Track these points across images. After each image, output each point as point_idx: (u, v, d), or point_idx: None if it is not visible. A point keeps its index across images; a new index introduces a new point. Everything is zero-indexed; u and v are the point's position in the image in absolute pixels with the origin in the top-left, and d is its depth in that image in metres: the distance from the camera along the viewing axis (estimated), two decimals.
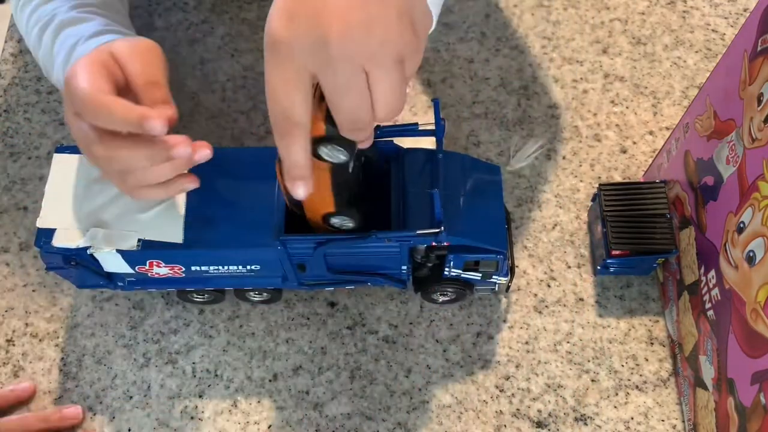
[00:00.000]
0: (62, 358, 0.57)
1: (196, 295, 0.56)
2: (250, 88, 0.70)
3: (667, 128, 0.66)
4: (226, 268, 0.51)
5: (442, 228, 0.46)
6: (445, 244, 0.49)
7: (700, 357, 0.50)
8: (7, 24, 0.74)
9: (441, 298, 0.57)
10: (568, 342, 0.57)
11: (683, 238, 0.54)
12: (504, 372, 0.56)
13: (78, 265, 0.50)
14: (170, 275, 0.52)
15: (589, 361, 0.56)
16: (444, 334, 0.57)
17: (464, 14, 0.73)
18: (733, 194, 0.46)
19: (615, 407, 0.54)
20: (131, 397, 0.55)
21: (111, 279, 0.53)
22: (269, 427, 0.54)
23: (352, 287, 0.57)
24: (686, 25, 0.72)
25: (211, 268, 0.51)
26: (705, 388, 0.49)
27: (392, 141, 0.52)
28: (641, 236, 0.55)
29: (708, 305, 0.49)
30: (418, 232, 0.47)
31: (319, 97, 0.38)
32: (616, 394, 0.55)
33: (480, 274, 0.53)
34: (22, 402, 0.55)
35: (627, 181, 0.63)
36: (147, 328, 0.58)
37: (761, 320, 0.41)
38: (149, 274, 0.51)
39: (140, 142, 0.42)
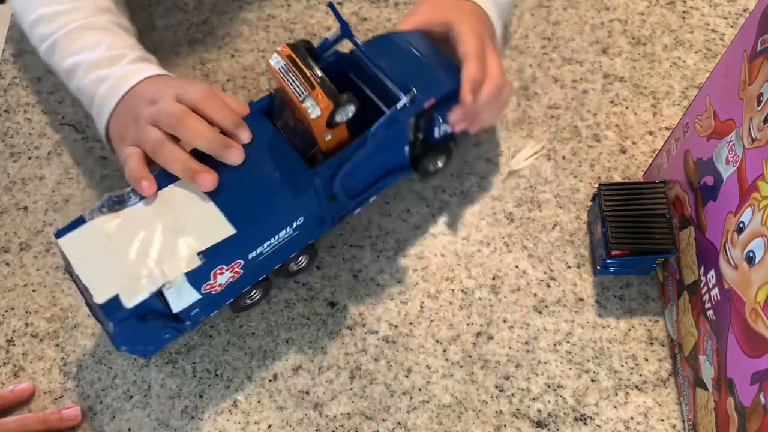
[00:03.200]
0: (62, 358, 0.57)
1: (248, 299, 0.56)
2: (250, 88, 0.70)
3: (667, 128, 0.66)
4: (276, 237, 0.51)
5: (414, 91, 0.52)
6: (432, 101, 0.53)
7: (699, 357, 0.50)
8: (7, 25, 0.74)
9: (434, 167, 0.60)
10: (568, 342, 0.57)
11: (683, 238, 0.54)
12: (504, 372, 0.56)
13: (152, 319, 0.48)
14: (231, 280, 0.51)
15: (588, 361, 0.56)
16: (444, 334, 0.57)
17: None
18: (733, 194, 0.46)
19: (615, 407, 0.54)
20: (131, 397, 0.55)
21: (179, 321, 0.51)
22: (269, 427, 0.54)
23: (373, 199, 0.58)
24: (686, 26, 0.72)
25: (265, 245, 0.51)
26: (705, 388, 0.49)
27: (337, 51, 0.55)
28: (641, 236, 0.55)
29: (708, 305, 0.49)
30: (413, 94, 0.52)
31: None
32: (616, 394, 0.55)
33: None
34: (21, 402, 0.55)
35: (627, 181, 0.63)
36: None
37: (761, 320, 0.41)
38: (213, 292, 0.50)
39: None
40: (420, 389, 0.55)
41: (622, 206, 0.56)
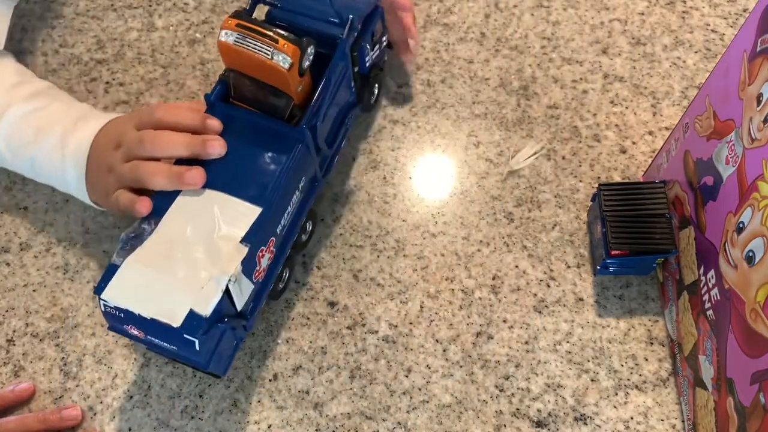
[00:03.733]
0: (62, 358, 0.57)
1: (281, 282, 0.57)
2: None
3: (667, 128, 0.66)
4: (292, 205, 0.53)
5: (350, 16, 0.55)
6: (358, 27, 0.56)
7: (699, 357, 0.50)
8: (7, 25, 0.74)
9: (373, 97, 0.64)
10: (567, 342, 0.57)
11: (683, 238, 0.54)
12: (504, 372, 0.56)
13: (227, 322, 0.48)
14: (269, 262, 0.52)
15: (588, 360, 0.56)
16: (444, 333, 0.57)
17: (464, 14, 0.73)
18: (733, 194, 0.46)
19: (615, 407, 0.54)
20: (131, 397, 0.55)
21: (243, 319, 0.51)
22: (269, 427, 0.54)
23: (344, 143, 0.61)
24: (686, 26, 0.72)
25: (285, 215, 0.52)
26: (704, 387, 0.49)
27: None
28: (641, 236, 0.55)
29: (707, 305, 0.49)
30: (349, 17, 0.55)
31: None
32: (616, 394, 0.55)
33: (378, 45, 0.62)
34: (22, 402, 0.55)
35: (627, 181, 0.63)
36: None
37: (761, 320, 0.41)
38: (260, 279, 0.51)
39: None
40: (420, 389, 0.55)
41: (622, 206, 0.56)
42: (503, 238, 0.61)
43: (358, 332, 0.58)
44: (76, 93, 0.70)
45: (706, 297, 0.50)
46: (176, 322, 0.45)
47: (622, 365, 0.56)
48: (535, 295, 0.59)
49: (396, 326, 0.58)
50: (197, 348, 0.46)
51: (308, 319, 0.58)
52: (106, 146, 0.54)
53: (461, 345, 0.57)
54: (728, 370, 0.46)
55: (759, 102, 0.43)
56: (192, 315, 0.46)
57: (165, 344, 0.47)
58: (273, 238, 0.51)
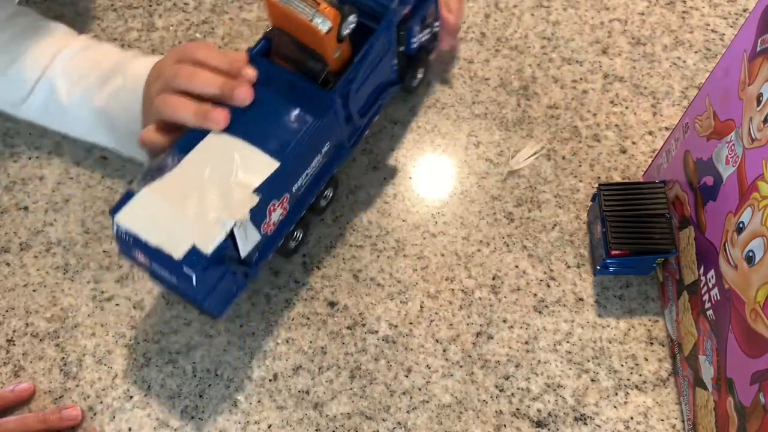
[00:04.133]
0: (63, 358, 0.57)
1: (293, 240, 0.58)
2: None
3: (667, 128, 0.66)
4: (312, 166, 0.54)
5: None
6: (408, 4, 0.56)
7: (699, 357, 0.50)
8: None
9: (416, 80, 0.66)
10: (567, 342, 0.57)
11: (683, 238, 0.54)
12: (504, 372, 0.56)
13: (227, 264, 0.49)
14: (281, 218, 0.53)
15: (588, 360, 0.56)
16: (444, 333, 0.57)
17: (464, 14, 0.73)
18: (733, 194, 0.46)
19: (615, 407, 0.54)
20: (131, 397, 0.55)
21: (244, 268, 0.52)
22: (269, 427, 0.54)
23: (377, 117, 0.61)
24: (686, 26, 0.72)
25: (304, 176, 0.53)
26: (704, 387, 0.49)
27: None
28: (641, 236, 0.55)
29: (707, 305, 0.49)
30: None
31: None
32: (616, 394, 0.55)
33: (429, 29, 0.62)
34: (22, 402, 0.55)
35: (626, 181, 0.63)
36: (147, 328, 0.58)
37: (761, 320, 0.41)
38: (269, 232, 0.52)
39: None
40: (420, 389, 0.55)
41: (622, 206, 0.56)
42: (503, 238, 0.61)
43: (358, 332, 0.58)
44: None
45: (706, 297, 0.50)
46: (177, 254, 0.47)
47: (622, 365, 0.56)
48: (535, 295, 0.59)
49: (396, 326, 0.58)
50: (194, 283, 0.47)
51: (308, 319, 0.58)
52: (152, 78, 0.56)
53: (461, 345, 0.57)
54: (728, 370, 0.46)
55: (759, 102, 0.43)
56: (194, 251, 0.47)
57: (166, 275, 0.48)
58: (287, 194, 0.52)
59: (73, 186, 0.65)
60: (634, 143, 0.66)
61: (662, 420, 0.54)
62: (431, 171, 0.65)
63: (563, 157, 0.65)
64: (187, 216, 0.48)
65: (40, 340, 0.58)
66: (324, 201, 0.61)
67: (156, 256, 0.48)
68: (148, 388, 0.56)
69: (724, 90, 0.48)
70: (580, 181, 0.64)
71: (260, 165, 0.50)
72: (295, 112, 0.52)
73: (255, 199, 0.49)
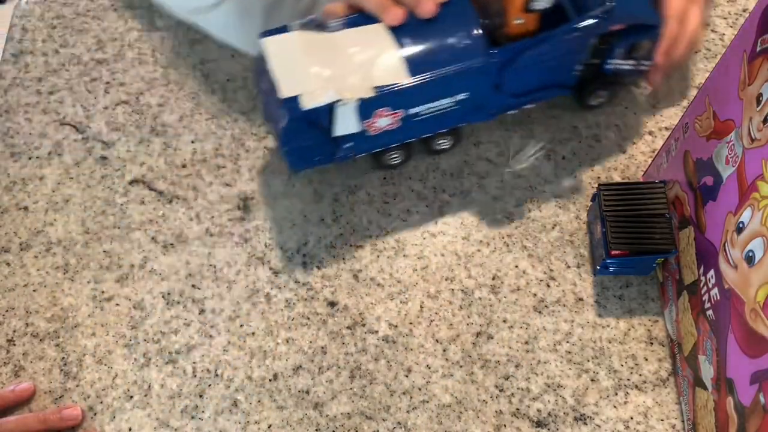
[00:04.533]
0: (63, 358, 0.57)
1: (389, 158, 0.60)
2: (250, 88, 0.70)
3: (667, 128, 0.66)
4: (438, 104, 0.55)
5: (613, 3, 0.53)
6: (621, 25, 0.55)
7: (699, 357, 0.50)
8: (7, 25, 0.74)
9: (595, 101, 0.64)
10: (567, 342, 0.57)
11: (682, 238, 0.54)
12: (504, 372, 0.56)
13: (317, 129, 0.53)
14: (387, 128, 0.55)
15: (588, 360, 0.56)
16: (444, 333, 0.57)
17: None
18: (733, 194, 0.46)
19: (614, 407, 0.54)
20: (131, 397, 0.55)
21: (335, 147, 0.56)
22: (269, 426, 0.54)
23: (530, 106, 0.61)
24: None
25: (426, 106, 0.55)
26: (704, 387, 0.49)
27: None
28: (641, 236, 0.55)
29: (707, 305, 0.49)
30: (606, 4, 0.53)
31: None
32: (616, 394, 0.55)
33: (634, 61, 0.59)
34: (22, 402, 0.55)
35: (626, 181, 0.63)
36: (147, 328, 0.58)
37: (760, 320, 0.41)
38: (370, 131, 0.55)
39: None
40: (420, 389, 0.55)
41: (622, 206, 0.56)
42: (503, 238, 0.61)
43: (358, 332, 0.58)
44: (76, 93, 0.70)
45: (705, 297, 0.50)
46: (283, 93, 0.52)
47: (622, 365, 0.56)
48: (535, 295, 0.59)
49: (396, 326, 0.58)
50: (284, 125, 0.52)
51: (308, 319, 0.58)
52: None
53: (461, 345, 0.57)
54: (728, 370, 0.46)
55: (759, 102, 0.43)
56: (296, 100, 0.51)
57: (272, 109, 0.54)
58: (402, 111, 0.54)
59: (73, 186, 0.65)
60: (634, 143, 0.66)
61: (662, 420, 0.54)
62: (431, 171, 0.65)
63: (563, 157, 0.65)
64: (311, 71, 0.52)
65: (40, 340, 0.58)
66: (439, 146, 0.62)
67: (271, 89, 0.52)
68: (149, 388, 0.56)
69: (723, 90, 0.48)
70: (580, 181, 0.64)
71: (395, 71, 0.53)
72: (452, 48, 0.53)
73: (368, 93, 0.52)
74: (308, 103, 0.51)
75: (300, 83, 0.52)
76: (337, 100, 0.51)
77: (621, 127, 0.66)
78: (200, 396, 0.55)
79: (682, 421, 0.54)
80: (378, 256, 0.61)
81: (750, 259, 0.43)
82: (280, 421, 0.54)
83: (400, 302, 0.59)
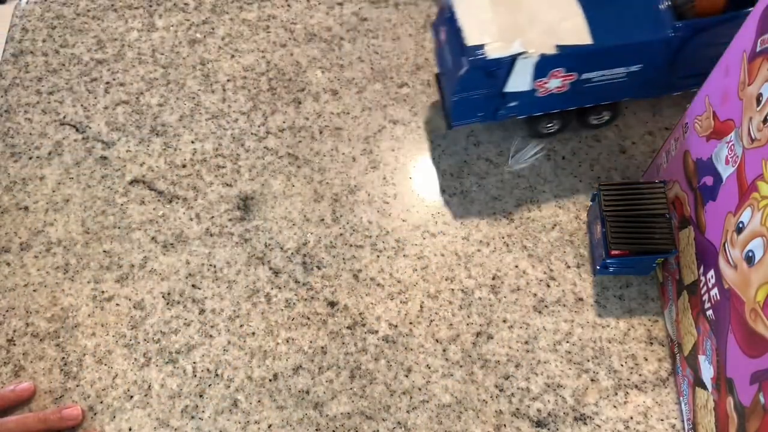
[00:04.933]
0: (63, 358, 0.57)
1: (545, 125, 0.61)
2: (250, 88, 0.70)
3: (667, 128, 0.66)
4: (611, 72, 0.56)
5: None
6: None
7: (699, 357, 0.50)
8: (7, 25, 0.74)
9: None
10: (567, 342, 0.57)
11: (682, 238, 0.54)
12: (504, 372, 0.56)
13: (492, 81, 0.54)
14: (556, 91, 0.56)
15: (588, 360, 0.56)
16: (444, 333, 0.57)
17: None
18: (732, 194, 0.46)
19: (614, 407, 0.54)
20: (132, 397, 0.55)
21: (500, 104, 0.57)
22: (269, 426, 0.54)
23: (693, 90, 0.60)
24: None
25: (599, 72, 0.56)
26: (704, 387, 0.49)
27: None
28: (640, 236, 0.55)
29: (707, 305, 0.49)
30: None
31: None
32: (616, 394, 0.55)
33: None
34: (22, 402, 0.55)
35: (626, 181, 0.63)
36: (147, 328, 0.58)
37: (760, 320, 0.41)
38: (539, 92, 0.56)
39: None
40: (420, 389, 0.55)
41: (622, 206, 0.56)
42: (503, 238, 0.61)
43: (358, 332, 0.58)
44: (76, 93, 0.70)
45: (705, 297, 0.50)
46: (469, 41, 0.53)
47: (621, 365, 0.56)
48: (535, 295, 0.59)
49: (396, 326, 0.58)
50: (462, 72, 0.53)
51: (308, 319, 0.58)
52: None
53: (461, 345, 0.57)
54: (728, 370, 0.46)
55: (759, 102, 0.43)
56: (481, 49, 0.52)
57: (448, 58, 0.55)
58: (575, 74, 0.55)
59: (73, 186, 0.65)
60: (633, 143, 0.66)
61: (662, 420, 0.54)
62: (431, 171, 0.65)
63: (563, 157, 0.65)
64: (497, 22, 0.53)
65: (41, 340, 0.58)
66: (596, 119, 0.63)
67: (452, 38, 0.54)
68: (149, 388, 0.56)
69: (723, 90, 0.48)
70: (580, 181, 0.64)
71: (578, 32, 0.53)
72: (638, 17, 0.54)
73: (551, 50, 0.53)
74: (493, 53, 0.52)
75: (486, 33, 0.53)
76: (521, 53, 0.52)
77: (621, 127, 0.66)
78: (200, 396, 0.55)
79: (682, 421, 0.54)
80: (378, 256, 0.61)
81: (750, 259, 0.43)
82: (280, 421, 0.54)
83: (400, 302, 0.59)
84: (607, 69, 0.56)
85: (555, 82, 0.55)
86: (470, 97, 0.56)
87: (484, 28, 0.53)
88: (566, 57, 0.54)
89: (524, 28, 0.54)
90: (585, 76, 0.56)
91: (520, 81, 0.55)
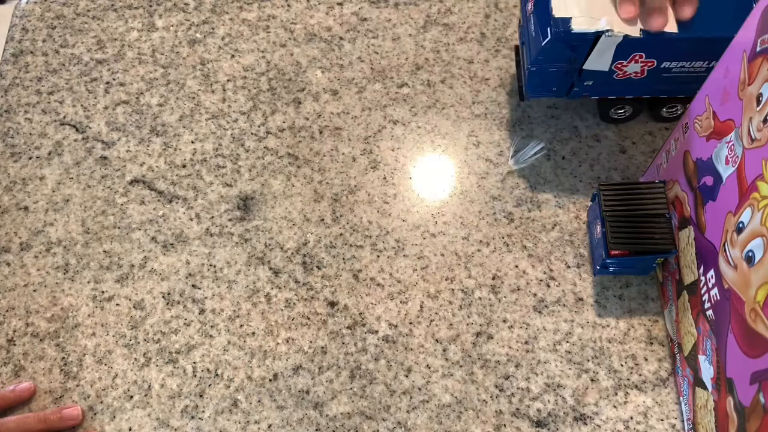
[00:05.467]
0: (63, 358, 0.57)
1: (617, 111, 0.61)
2: (250, 88, 0.70)
3: (667, 128, 0.66)
4: (691, 64, 0.56)
5: None
6: None
7: (699, 356, 0.50)
8: (7, 25, 0.74)
9: None
10: (567, 342, 0.57)
11: (682, 238, 0.54)
12: (504, 372, 0.56)
13: (573, 55, 0.54)
14: (633, 77, 0.56)
15: (588, 360, 0.56)
16: (444, 333, 0.57)
17: (464, 15, 0.74)
18: (732, 194, 0.46)
19: (614, 407, 0.54)
20: (132, 397, 0.55)
21: (576, 81, 0.57)
22: (269, 426, 0.54)
23: None
24: None
25: (679, 63, 0.56)
26: (704, 387, 0.49)
27: None
28: (640, 236, 0.55)
29: (707, 305, 0.49)
30: None
31: None
32: (616, 394, 0.55)
33: None
34: (22, 402, 0.55)
35: (626, 181, 0.63)
36: (147, 328, 0.58)
37: (760, 320, 0.41)
38: (616, 74, 0.56)
39: None
40: (420, 389, 0.55)
41: (622, 206, 0.56)
42: (503, 238, 0.61)
43: (358, 332, 0.58)
44: (76, 93, 0.70)
45: (705, 297, 0.50)
46: (555, 12, 0.53)
47: (621, 365, 0.56)
48: (535, 295, 0.59)
49: (396, 326, 0.58)
50: (543, 43, 0.54)
51: (308, 319, 0.58)
52: None
53: (461, 345, 0.57)
54: (728, 370, 0.46)
55: (759, 102, 0.43)
56: (567, 22, 0.53)
57: (532, 28, 0.56)
58: (654, 61, 0.55)
59: (73, 186, 0.65)
60: (633, 143, 0.66)
61: (662, 420, 0.54)
62: (431, 171, 0.65)
63: (563, 157, 0.65)
64: (589, 2, 0.53)
65: (41, 340, 0.58)
66: (669, 112, 0.63)
67: (539, 8, 0.54)
68: (149, 388, 0.56)
69: (723, 90, 0.48)
70: (580, 181, 0.64)
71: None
72: (727, 14, 0.53)
73: (636, 33, 0.52)
74: (578, 27, 0.52)
75: (574, 6, 0.53)
76: (606, 31, 0.52)
77: (621, 127, 0.66)
78: (200, 396, 0.55)
79: (682, 421, 0.54)
80: (378, 256, 0.61)
81: (750, 259, 0.43)
82: (280, 421, 0.54)
83: (400, 302, 0.59)
84: (688, 61, 0.55)
85: (634, 67, 0.55)
86: (548, 69, 0.57)
87: (572, 2, 0.54)
88: (649, 42, 0.53)
89: (612, 7, 0.53)
90: (664, 65, 0.55)
91: (599, 60, 0.55)
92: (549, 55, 0.55)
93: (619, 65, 0.55)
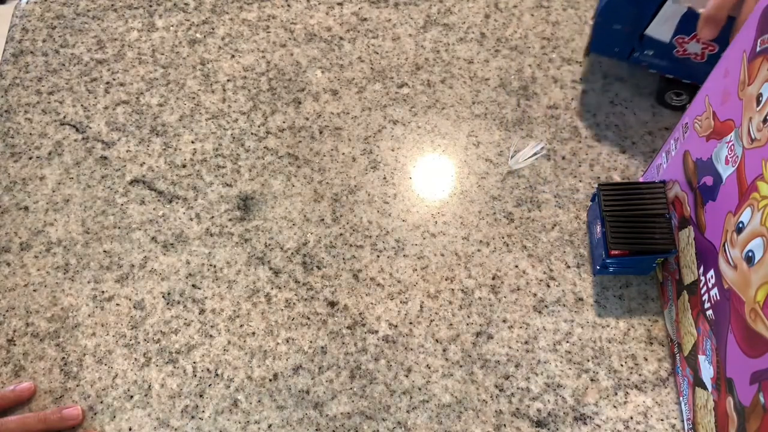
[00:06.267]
0: (63, 358, 0.57)
1: (673, 96, 0.62)
2: (250, 88, 0.70)
3: (666, 128, 0.66)
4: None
5: None
6: None
7: (699, 356, 0.50)
8: (7, 25, 0.74)
9: None
10: (567, 342, 0.57)
11: (682, 238, 0.54)
12: (504, 371, 0.56)
13: (632, 16, 0.55)
14: (693, 58, 0.56)
15: (588, 360, 0.56)
16: (444, 333, 0.57)
17: (464, 15, 0.74)
18: (732, 194, 0.46)
19: (614, 407, 0.54)
20: (132, 397, 0.55)
21: (637, 47, 0.58)
22: (269, 426, 0.54)
23: None
24: None
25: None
26: (704, 387, 0.49)
27: None
28: (640, 236, 0.55)
29: (707, 305, 0.49)
30: None
31: None
32: (616, 394, 0.55)
33: None
34: (22, 402, 0.55)
35: (626, 181, 0.63)
36: (147, 328, 0.58)
37: (760, 320, 0.41)
38: (677, 50, 0.56)
39: None
40: (420, 389, 0.55)
41: (622, 206, 0.56)
42: (503, 238, 0.61)
43: (358, 332, 0.58)
44: (76, 93, 0.70)
45: (705, 297, 0.50)
46: None
47: (621, 365, 0.56)
48: (535, 295, 0.59)
49: (396, 326, 0.58)
50: (604, 3, 0.56)
51: (308, 319, 0.58)
52: None
53: (461, 345, 0.57)
54: (728, 370, 0.46)
55: (758, 102, 0.43)
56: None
57: None
58: (717, 45, 0.55)
59: (73, 186, 0.65)
60: (633, 143, 0.66)
61: (662, 420, 0.54)
62: (431, 171, 0.65)
63: (563, 157, 0.65)
64: None
65: (41, 340, 0.58)
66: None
67: None
68: (149, 388, 0.56)
69: (723, 90, 0.48)
70: (580, 181, 0.64)
71: None
72: None
73: (701, 9, 0.52)
74: None
75: None
76: None
77: (621, 127, 0.66)
78: (200, 396, 0.55)
79: (682, 421, 0.54)
80: (378, 256, 0.61)
81: (750, 259, 0.43)
82: (280, 421, 0.54)
83: (400, 302, 0.59)
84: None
85: (695, 47, 0.55)
86: (612, 26, 0.58)
87: None
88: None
89: None
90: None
91: (662, 28, 0.55)
92: (614, 11, 0.56)
93: (680, 40, 0.55)
